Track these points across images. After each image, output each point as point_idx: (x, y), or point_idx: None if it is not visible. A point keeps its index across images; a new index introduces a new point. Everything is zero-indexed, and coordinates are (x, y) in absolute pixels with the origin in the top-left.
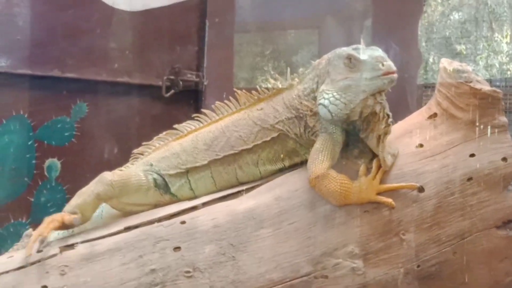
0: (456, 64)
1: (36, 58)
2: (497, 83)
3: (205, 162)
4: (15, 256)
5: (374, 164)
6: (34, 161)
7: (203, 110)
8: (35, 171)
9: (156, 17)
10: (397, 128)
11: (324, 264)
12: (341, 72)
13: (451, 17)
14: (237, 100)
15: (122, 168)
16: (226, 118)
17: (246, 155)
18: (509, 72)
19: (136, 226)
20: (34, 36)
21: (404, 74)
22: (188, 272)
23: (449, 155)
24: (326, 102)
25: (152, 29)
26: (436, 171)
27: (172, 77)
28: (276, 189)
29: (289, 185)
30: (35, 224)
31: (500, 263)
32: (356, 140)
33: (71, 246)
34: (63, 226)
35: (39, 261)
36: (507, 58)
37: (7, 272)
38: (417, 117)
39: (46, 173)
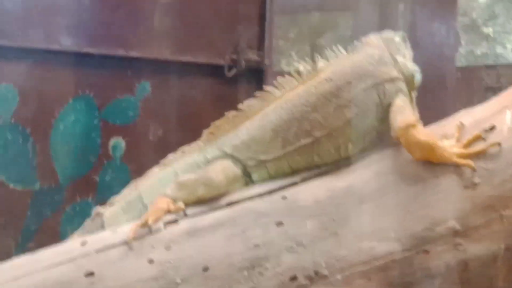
0: None
1: (101, 37)
2: None
3: (280, 154)
4: (119, 230)
5: (456, 128)
6: (99, 141)
7: (265, 87)
8: (100, 151)
9: None
10: (493, 103)
11: (425, 240)
12: (406, 49)
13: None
14: (298, 73)
15: (193, 146)
16: (290, 94)
17: (325, 141)
18: None
19: (237, 202)
20: (99, 15)
21: (441, 56)
22: (291, 247)
23: None
24: (418, 69)
25: (214, 7)
26: None
27: (234, 56)
28: (374, 165)
29: (387, 160)
30: (101, 203)
31: None
32: None
33: (175, 222)
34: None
35: (144, 236)
36: None
37: (113, 246)
38: None
39: (111, 153)
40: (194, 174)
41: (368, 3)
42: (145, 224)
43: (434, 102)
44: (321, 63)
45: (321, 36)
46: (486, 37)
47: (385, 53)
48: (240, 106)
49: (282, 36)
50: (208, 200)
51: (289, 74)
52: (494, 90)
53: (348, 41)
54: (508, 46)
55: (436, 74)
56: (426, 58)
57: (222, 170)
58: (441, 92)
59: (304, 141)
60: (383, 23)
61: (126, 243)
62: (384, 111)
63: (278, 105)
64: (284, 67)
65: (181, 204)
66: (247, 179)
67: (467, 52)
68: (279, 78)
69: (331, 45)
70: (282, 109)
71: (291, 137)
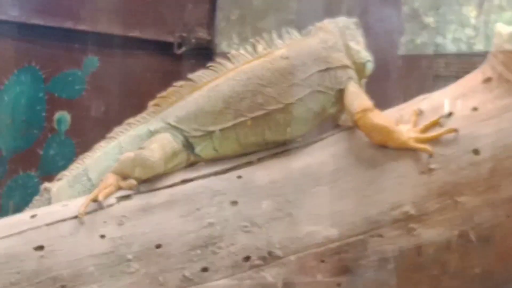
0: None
1: (49, 9)
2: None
3: (229, 124)
4: (69, 205)
5: (413, 113)
6: (44, 114)
7: (217, 59)
8: (45, 124)
9: None
10: (451, 90)
11: (379, 224)
12: (359, 36)
13: None
14: (254, 48)
15: (138, 119)
16: (245, 68)
17: (278, 115)
18: (475, 46)
19: (191, 179)
20: None
21: (385, 43)
22: (246, 226)
23: (505, 119)
24: (370, 58)
25: None
26: (491, 134)
27: (184, 34)
28: (331, 147)
29: (344, 142)
30: (43, 176)
31: None
32: None
33: (128, 197)
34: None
35: (95, 210)
36: (474, 32)
37: (64, 220)
38: (471, 80)
39: (55, 126)
40: (132, 152)
41: None
42: (95, 199)
43: (377, 89)
44: (277, 41)
45: (263, 19)
46: (427, 26)
47: (339, 39)
48: (189, 76)
49: (224, 18)
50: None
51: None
52: (439, 79)
53: (290, 25)
54: (449, 36)
55: (380, 61)
56: (370, 45)
57: (160, 146)
58: (384, 79)
59: (256, 113)
60: (327, 8)
61: (77, 217)
62: (335, 96)
63: (231, 77)
64: (225, 48)
65: (132, 181)
66: (189, 152)
67: (407, 41)
68: (233, 52)
69: (273, 29)
70: (235, 81)
71: (243, 109)
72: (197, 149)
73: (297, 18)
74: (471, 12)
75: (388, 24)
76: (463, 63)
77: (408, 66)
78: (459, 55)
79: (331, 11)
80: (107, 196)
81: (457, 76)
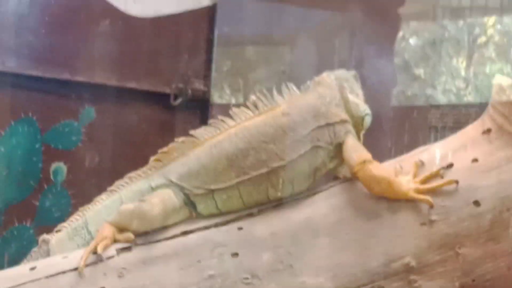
0: (511, 81)
1: (46, 60)
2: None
3: (233, 183)
4: (69, 257)
5: (413, 165)
6: (40, 165)
7: (220, 117)
8: (41, 175)
9: (166, 24)
10: (450, 142)
11: (380, 276)
12: (358, 88)
13: (411, 41)
14: (255, 105)
15: (140, 173)
16: (246, 124)
17: (280, 171)
18: (465, 98)
19: (192, 231)
20: (45, 38)
21: (380, 94)
22: (247, 278)
23: (505, 170)
24: (369, 111)
25: (162, 35)
26: (492, 186)
27: (180, 85)
28: (332, 198)
29: (344, 194)
30: (39, 228)
31: None
32: None
33: (128, 249)
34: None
35: (95, 262)
36: (464, 84)
37: (63, 272)
38: (471, 131)
39: (52, 177)
40: (132, 204)
41: (305, 39)
42: (94, 251)
43: (373, 140)
44: (277, 97)
45: (255, 71)
46: (418, 78)
47: (337, 94)
48: (191, 132)
49: (217, 69)
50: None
51: (243, 106)
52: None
53: (282, 76)
54: (439, 87)
55: (375, 113)
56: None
57: (160, 202)
58: (378, 131)
59: (260, 171)
60: (319, 60)
61: (77, 270)
62: (334, 149)
63: (233, 134)
64: (217, 99)
65: (130, 235)
66: (191, 210)
67: (398, 92)
68: (234, 109)
69: (264, 80)
70: (238, 138)
71: (246, 167)
72: (199, 207)
73: (289, 70)
74: (461, 64)
75: (382, 75)
76: (457, 115)
77: (402, 117)
78: (452, 106)
79: (323, 62)
80: (105, 248)
81: (452, 128)
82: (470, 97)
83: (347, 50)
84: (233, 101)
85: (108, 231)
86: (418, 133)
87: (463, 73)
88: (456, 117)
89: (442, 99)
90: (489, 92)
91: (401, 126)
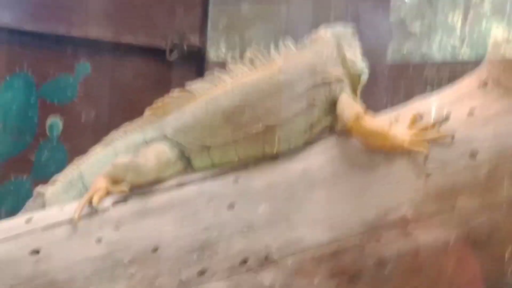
0: (507, 35)
1: (41, 15)
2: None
3: (228, 140)
4: (65, 208)
5: (411, 117)
6: (36, 119)
7: (216, 71)
8: (36, 130)
9: None
10: (447, 94)
11: (376, 227)
12: (355, 44)
13: None
14: (252, 62)
15: (135, 127)
16: (243, 80)
17: (276, 129)
18: (460, 56)
19: (187, 183)
20: None
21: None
22: (243, 230)
23: (502, 123)
24: (366, 67)
25: None
26: (488, 138)
27: (176, 40)
28: (328, 151)
29: (341, 147)
30: (35, 182)
31: None
32: None
33: (123, 201)
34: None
35: (91, 214)
36: (459, 41)
37: (59, 224)
38: (467, 85)
39: (47, 132)
40: (126, 158)
41: None
42: (89, 202)
43: (368, 97)
44: (274, 54)
45: (251, 28)
46: (413, 35)
47: (333, 51)
48: (186, 86)
49: (213, 26)
50: (139, 185)
51: (240, 61)
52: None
53: (278, 33)
54: (434, 45)
55: (371, 69)
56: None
57: (155, 155)
58: (374, 87)
59: (256, 128)
60: (315, 16)
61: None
62: (329, 105)
63: (229, 90)
64: (213, 56)
65: (124, 187)
66: (186, 164)
67: (393, 50)
68: (231, 65)
69: (261, 38)
70: (235, 94)
71: (243, 123)
72: (194, 163)
73: (286, 27)
74: (456, 21)
75: (378, 31)
76: (453, 71)
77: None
78: (448, 63)
79: (319, 19)
80: (100, 199)
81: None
82: (465, 55)
83: (343, 6)
84: (229, 58)
85: (102, 182)
86: (414, 90)
87: (458, 30)
88: (451, 74)
89: (437, 57)
90: (484, 49)
91: (397, 82)
